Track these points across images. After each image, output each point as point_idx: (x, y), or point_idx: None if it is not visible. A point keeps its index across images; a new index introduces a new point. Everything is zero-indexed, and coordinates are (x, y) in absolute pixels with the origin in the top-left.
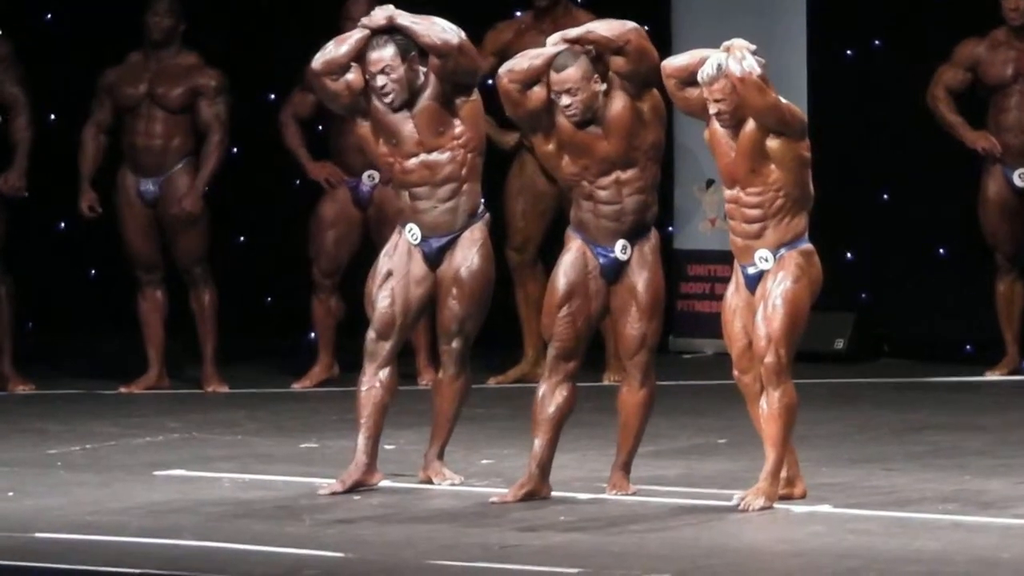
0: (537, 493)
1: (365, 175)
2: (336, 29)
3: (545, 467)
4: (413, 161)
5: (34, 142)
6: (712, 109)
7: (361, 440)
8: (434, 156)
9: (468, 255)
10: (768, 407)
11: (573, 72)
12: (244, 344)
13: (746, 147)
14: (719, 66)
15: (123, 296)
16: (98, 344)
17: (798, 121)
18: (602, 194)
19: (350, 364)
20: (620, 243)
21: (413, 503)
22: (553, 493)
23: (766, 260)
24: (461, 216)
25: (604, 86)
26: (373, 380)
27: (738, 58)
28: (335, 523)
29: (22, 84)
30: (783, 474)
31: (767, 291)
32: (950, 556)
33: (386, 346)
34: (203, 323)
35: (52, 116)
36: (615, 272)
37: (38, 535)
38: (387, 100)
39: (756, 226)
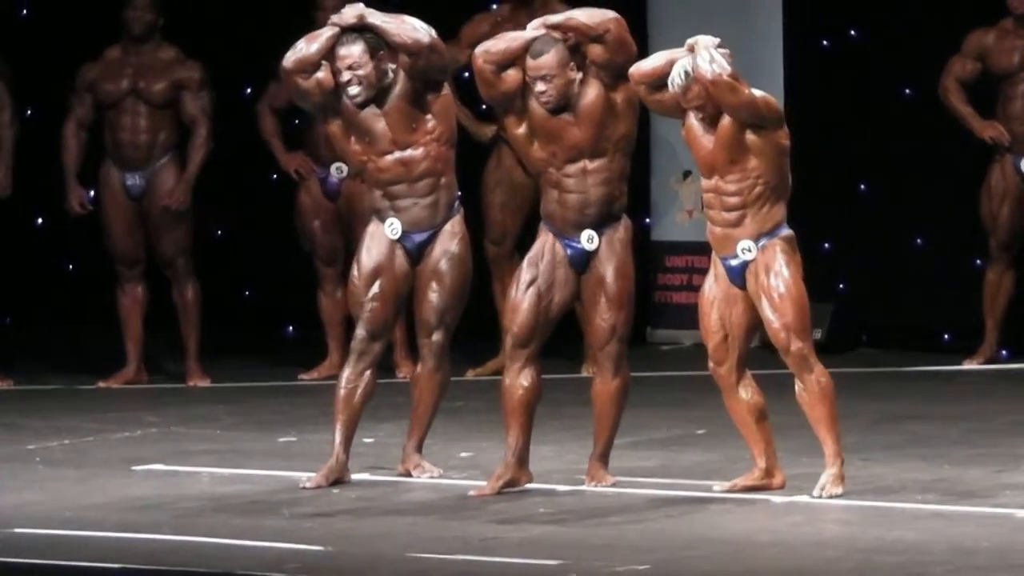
0: (516, 482)
1: (333, 167)
2: (309, 20)
3: (521, 455)
4: (388, 159)
5: (16, 139)
6: (694, 115)
7: (339, 439)
8: (408, 153)
9: (448, 248)
10: (808, 393)
11: (550, 59)
12: (223, 338)
13: (725, 139)
14: (686, 73)
15: (102, 291)
16: (76, 339)
17: (774, 112)
18: (568, 182)
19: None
20: (586, 233)
21: (392, 496)
22: (532, 485)
23: (749, 251)
24: (442, 210)
25: (580, 75)
26: (357, 380)
27: (706, 59)
28: (314, 516)
29: (4, 81)
30: (761, 464)
31: (766, 284)
32: (929, 545)
33: (376, 347)
34: (186, 317)
35: (29, 111)
36: (583, 262)
37: (17, 531)
38: (352, 96)
39: (735, 214)
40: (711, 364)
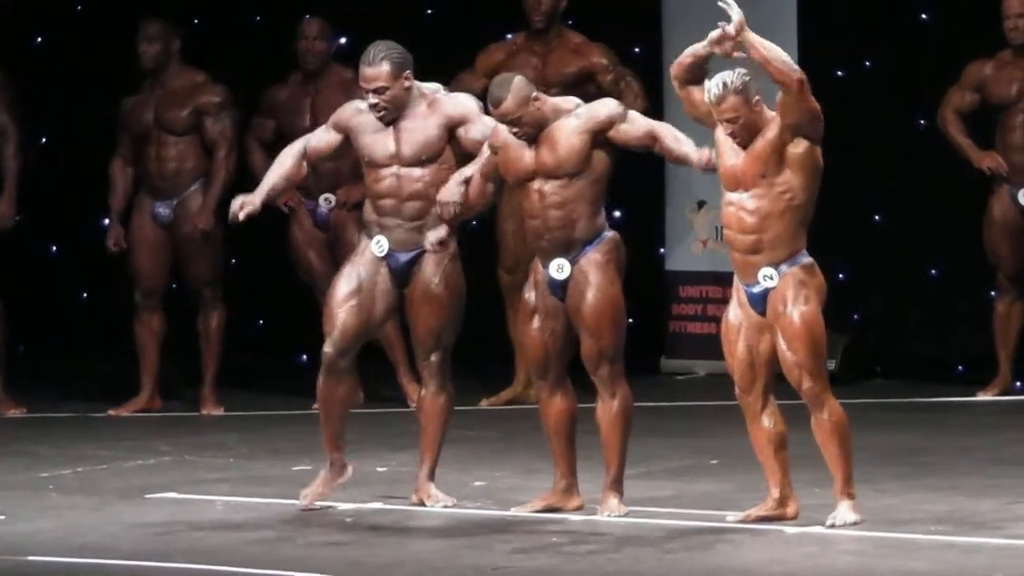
0: (558, 508)
1: (322, 198)
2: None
3: (566, 479)
4: (385, 171)
5: (22, 169)
6: (724, 129)
7: (326, 444)
8: (406, 171)
9: (438, 269)
10: (820, 429)
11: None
12: (237, 366)
13: (764, 153)
14: (724, 84)
15: (115, 319)
16: (90, 367)
17: (822, 125)
18: (524, 205)
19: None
20: (555, 263)
21: (405, 525)
22: (546, 515)
23: (771, 279)
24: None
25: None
26: (333, 388)
27: (780, 58)
28: (327, 545)
29: (11, 111)
30: (775, 495)
31: (783, 317)
32: None
33: (343, 362)
34: (208, 345)
35: (44, 139)
36: (560, 290)
37: (30, 558)
38: (379, 117)
39: (753, 238)
40: (737, 391)
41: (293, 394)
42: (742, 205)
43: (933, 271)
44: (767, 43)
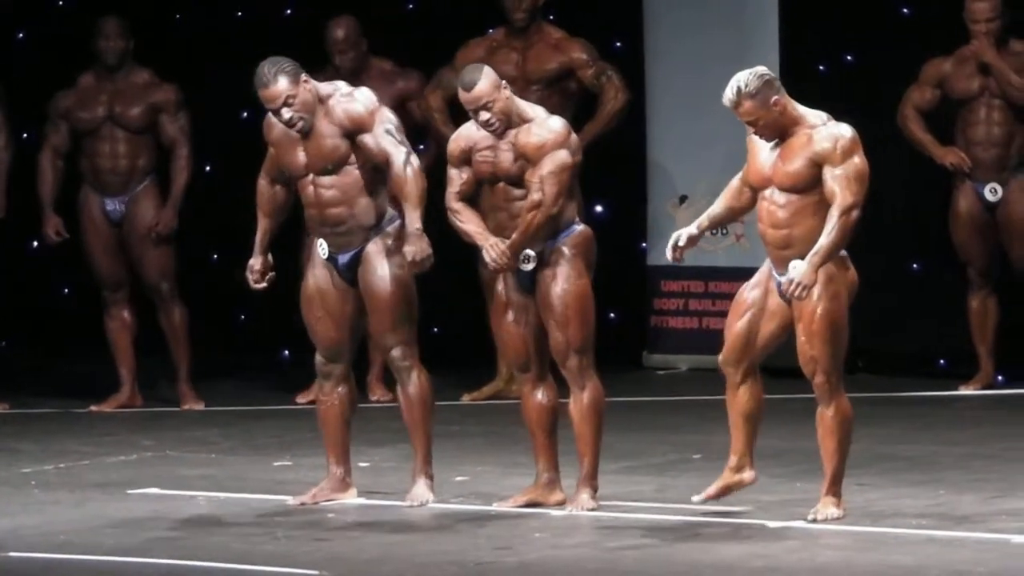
0: (540, 503)
1: None
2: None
3: (548, 474)
4: (303, 182)
5: (11, 165)
6: (748, 130)
7: (330, 457)
8: (319, 180)
9: (376, 267)
10: (823, 423)
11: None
12: (218, 361)
13: (799, 174)
14: (738, 89)
15: (95, 315)
16: (71, 363)
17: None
18: (491, 201)
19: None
20: (522, 254)
21: (388, 520)
22: (527, 510)
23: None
24: (358, 233)
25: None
26: (330, 397)
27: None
28: (310, 540)
29: (1, 106)
30: (732, 462)
31: (808, 311)
32: (924, 571)
33: (337, 367)
34: (175, 341)
35: (25, 135)
36: (529, 282)
37: (12, 555)
38: (297, 129)
39: (783, 232)
40: (721, 359)
41: (274, 390)
42: (773, 200)
43: (914, 265)
44: (824, 251)
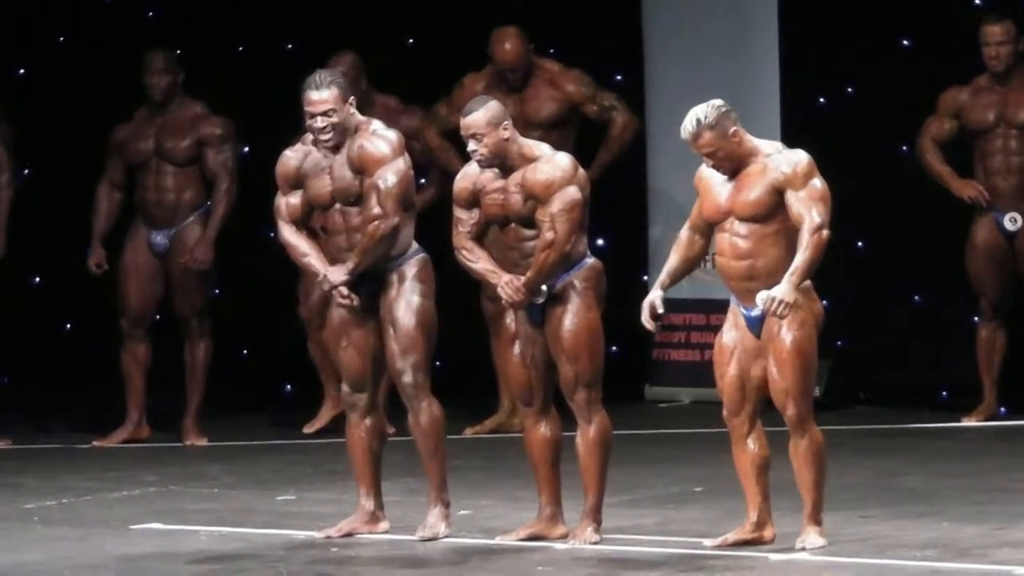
0: (543, 536)
1: None
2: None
3: (551, 507)
4: (332, 210)
5: (13, 201)
6: (708, 163)
7: (361, 489)
8: (345, 209)
9: (398, 295)
10: (797, 454)
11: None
12: (221, 396)
13: (761, 200)
14: (697, 120)
15: (99, 350)
16: (74, 398)
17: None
18: (502, 238)
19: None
20: None
21: (390, 554)
22: (531, 543)
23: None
24: (382, 262)
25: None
26: (358, 428)
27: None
28: (313, 575)
29: (6, 141)
30: (753, 518)
31: (777, 340)
32: None
33: (362, 397)
34: (193, 376)
35: (26, 171)
36: (539, 315)
37: None
38: (324, 140)
39: (746, 263)
40: (725, 412)
41: (277, 424)
42: (735, 231)
43: (917, 297)
44: (801, 270)
